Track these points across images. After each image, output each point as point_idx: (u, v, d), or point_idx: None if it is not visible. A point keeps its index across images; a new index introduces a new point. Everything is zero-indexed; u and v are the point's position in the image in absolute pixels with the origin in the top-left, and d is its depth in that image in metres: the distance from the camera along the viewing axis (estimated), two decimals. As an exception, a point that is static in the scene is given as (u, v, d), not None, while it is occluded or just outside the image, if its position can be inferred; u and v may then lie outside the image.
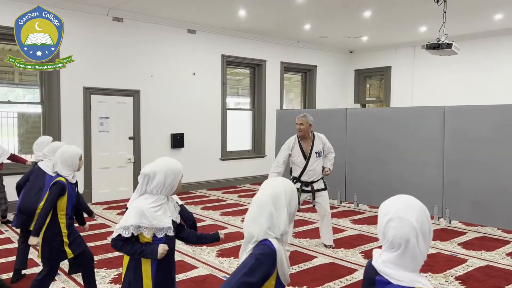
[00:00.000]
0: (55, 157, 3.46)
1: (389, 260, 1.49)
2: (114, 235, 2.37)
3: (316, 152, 5.25)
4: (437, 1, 6.81)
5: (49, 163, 4.13)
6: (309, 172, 5.24)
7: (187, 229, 2.69)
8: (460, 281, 4.30)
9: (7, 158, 5.64)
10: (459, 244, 5.56)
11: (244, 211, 7.39)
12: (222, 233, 2.74)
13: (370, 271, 1.56)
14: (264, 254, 1.81)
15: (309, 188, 5.25)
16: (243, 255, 1.90)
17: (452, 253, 5.21)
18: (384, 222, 1.51)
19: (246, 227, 1.92)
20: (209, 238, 2.72)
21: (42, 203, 3.96)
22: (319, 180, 5.31)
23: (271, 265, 1.83)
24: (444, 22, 6.89)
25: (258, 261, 1.78)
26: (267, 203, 1.90)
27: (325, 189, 5.35)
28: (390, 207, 1.53)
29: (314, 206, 5.35)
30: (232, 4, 7.55)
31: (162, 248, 2.37)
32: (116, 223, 6.39)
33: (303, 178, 5.24)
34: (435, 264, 4.78)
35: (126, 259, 2.45)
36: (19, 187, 4.32)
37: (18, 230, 4.60)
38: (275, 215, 1.89)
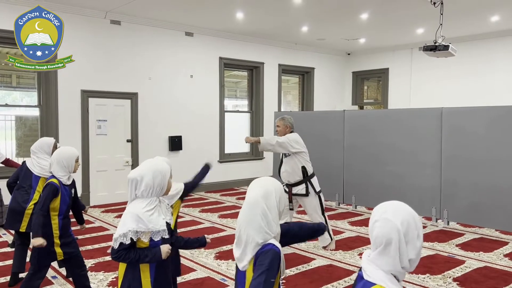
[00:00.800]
0: (51, 157, 3.45)
1: (371, 258, 1.53)
2: (115, 245, 2.29)
3: (283, 153, 5.25)
4: (434, 3, 6.83)
5: (35, 160, 4.13)
6: (283, 173, 5.23)
7: (175, 235, 2.67)
8: (458, 283, 4.31)
9: (1, 163, 5.60)
10: (457, 246, 5.57)
11: (242, 214, 7.39)
12: (208, 237, 2.77)
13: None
14: (272, 261, 1.87)
15: (287, 189, 5.18)
16: (244, 259, 1.94)
17: (450, 254, 5.21)
18: (372, 223, 1.56)
19: (243, 230, 1.95)
20: (196, 242, 2.72)
21: (31, 202, 3.98)
22: (298, 184, 5.17)
23: (278, 266, 1.91)
24: (441, 24, 6.91)
25: (269, 272, 1.86)
26: (258, 203, 1.94)
27: (306, 195, 5.16)
28: (379, 209, 1.57)
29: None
30: (229, 7, 7.56)
31: (166, 248, 2.36)
32: (114, 226, 6.38)
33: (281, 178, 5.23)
34: (433, 265, 4.79)
35: (122, 267, 2.40)
36: (9, 186, 4.31)
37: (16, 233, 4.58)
38: (268, 213, 1.93)
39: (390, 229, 1.48)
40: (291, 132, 5.24)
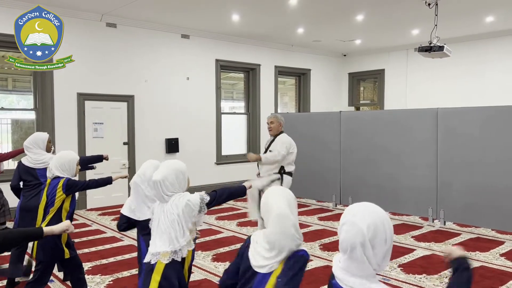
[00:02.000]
0: (51, 163, 3.46)
1: (342, 265, 1.48)
2: (202, 203, 2.65)
3: (270, 151, 5.23)
4: (429, 4, 6.87)
5: (29, 158, 4.10)
6: (262, 165, 5.23)
7: None
8: (455, 282, 4.32)
9: None
10: (453, 245, 5.57)
11: (239, 215, 7.39)
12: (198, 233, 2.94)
13: (331, 275, 1.57)
14: (302, 267, 1.91)
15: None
16: (272, 263, 1.89)
17: (447, 254, 5.23)
18: (340, 226, 1.51)
19: (278, 242, 1.90)
20: None
21: (43, 197, 3.95)
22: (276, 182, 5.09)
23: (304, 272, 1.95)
24: (436, 25, 6.95)
25: (298, 277, 1.89)
26: (288, 215, 1.95)
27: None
28: (349, 211, 1.51)
29: None
30: (225, 9, 7.57)
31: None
32: (110, 229, 6.37)
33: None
34: (429, 266, 4.80)
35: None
36: (14, 189, 4.25)
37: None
38: (296, 222, 1.98)
39: (355, 234, 1.42)
40: (282, 132, 5.30)
